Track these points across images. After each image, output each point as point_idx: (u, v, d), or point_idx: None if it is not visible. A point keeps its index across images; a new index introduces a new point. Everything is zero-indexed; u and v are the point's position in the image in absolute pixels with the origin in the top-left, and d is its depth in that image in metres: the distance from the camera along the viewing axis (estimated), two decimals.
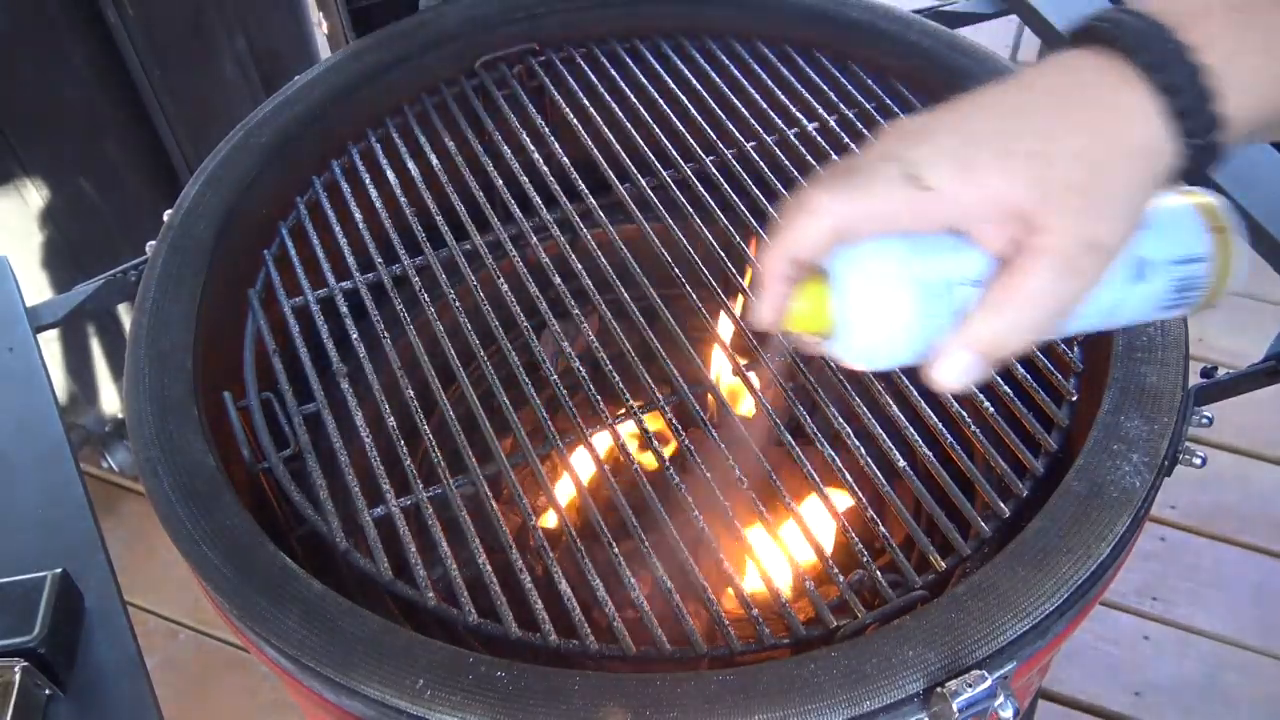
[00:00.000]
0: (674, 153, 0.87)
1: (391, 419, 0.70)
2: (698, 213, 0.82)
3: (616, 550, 0.63)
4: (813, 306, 0.40)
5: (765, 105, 0.90)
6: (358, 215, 0.83)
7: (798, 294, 0.40)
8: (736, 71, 0.92)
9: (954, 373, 0.38)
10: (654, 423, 0.71)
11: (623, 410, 0.70)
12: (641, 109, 0.90)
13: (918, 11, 0.95)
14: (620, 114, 0.89)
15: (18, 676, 0.52)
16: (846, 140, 0.86)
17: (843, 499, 0.66)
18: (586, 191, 0.84)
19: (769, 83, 0.91)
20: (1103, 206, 0.36)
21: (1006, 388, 0.69)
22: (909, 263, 0.38)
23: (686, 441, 0.69)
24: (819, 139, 0.87)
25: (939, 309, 0.38)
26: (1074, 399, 0.69)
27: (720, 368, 0.79)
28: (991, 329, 0.37)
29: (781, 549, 0.63)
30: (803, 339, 0.42)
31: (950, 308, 0.38)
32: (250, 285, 0.79)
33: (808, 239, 0.38)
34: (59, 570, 0.56)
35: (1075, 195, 0.35)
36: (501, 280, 0.78)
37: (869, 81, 0.90)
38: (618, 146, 0.87)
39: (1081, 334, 0.43)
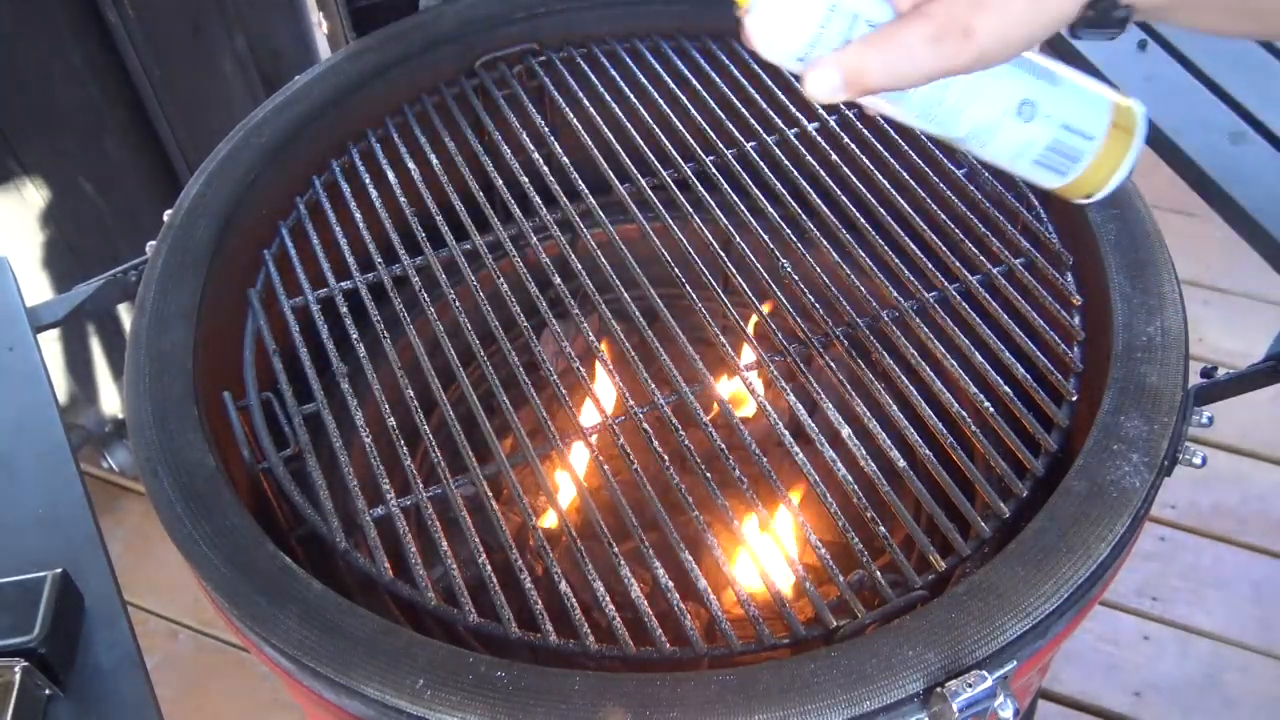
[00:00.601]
0: (674, 153, 0.87)
1: (391, 419, 0.70)
2: (698, 213, 0.82)
3: (616, 550, 0.63)
4: None
5: (765, 105, 0.90)
6: (358, 215, 0.83)
7: None
8: (736, 71, 0.92)
9: (818, 84, 0.43)
10: (653, 423, 0.71)
11: (623, 410, 0.70)
12: (641, 109, 0.90)
13: None
14: (620, 114, 0.89)
15: (18, 676, 0.52)
16: (846, 140, 0.86)
17: (843, 499, 0.66)
18: (586, 191, 0.84)
19: (769, 83, 0.91)
20: (991, 8, 0.40)
21: (1007, 388, 0.69)
22: None
23: (686, 441, 0.69)
24: (819, 139, 0.87)
25: (836, 28, 0.43)
26: (1074, 399, 0.69)
27: (720, 368, 0.79)
28: (859, 58, 0.42)
29: (781, 549, 0.63)
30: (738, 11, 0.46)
31: (844, 33, 0.43)
32: (250, 285, 0.79)
33: None
34: (59, 570, 0.56)
35: None
36: (501, 280, 0.78)
37: None
38: (618, 146, 0.87)
39: (960, 144, 0.47)
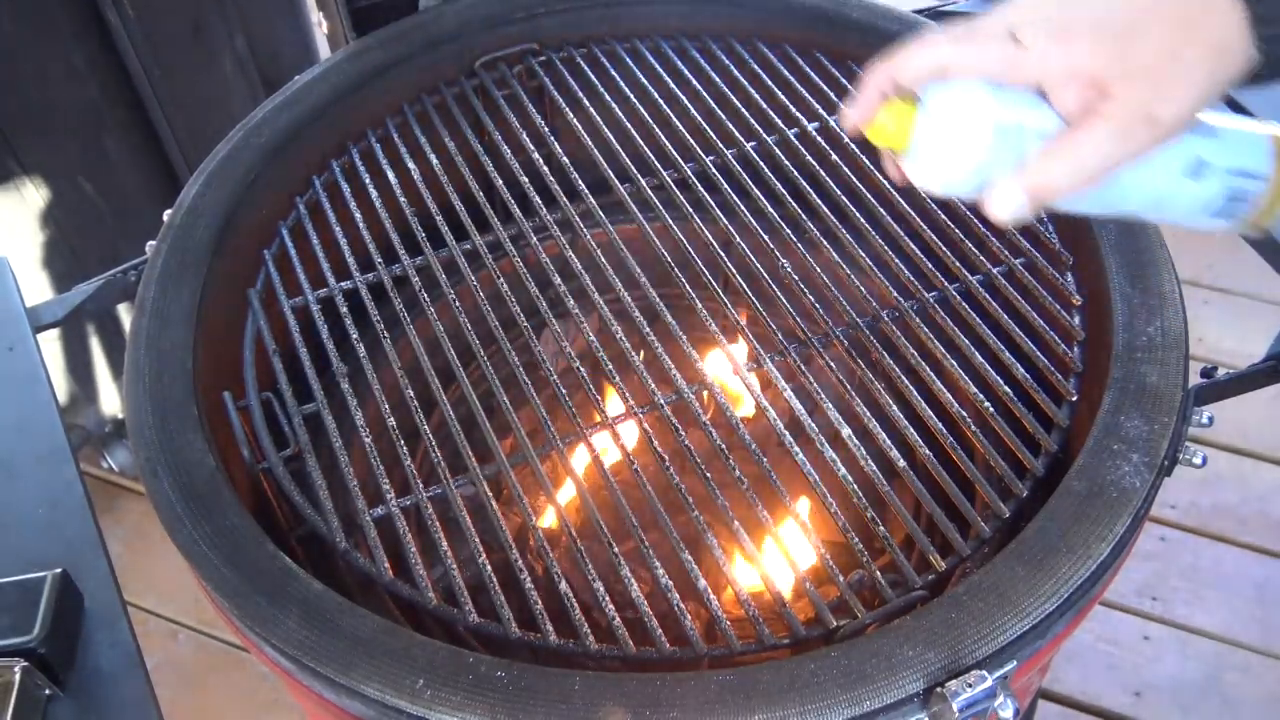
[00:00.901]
0: (674, 153, 0.87)
1: (391, 419, 0.70)
2: (698, 213, 0.82)
3: (616, 550, 0.63)
4: (898, 123, 0.45)
5: (765, 105, 0.90)
6: (358, 215, 0.83)
7: (887, 109, 0.45)
8: (736, 72, 0.92)
9: (1003, 205, 0.44)
10: (653, 423, 0.71)
11: (622, 410, 0.70)
12: (641, 109, 0.90)
13: (918, 11, 0.95)
14: (620, 114, 0.89)
15: (18, 676, 0.52)
16: (846, 140, 0.86)
17: (842, 499, 0.66)
18: (586, 191, 0.84)
19: (769, 83, 0.91)
20: (1169, 89, 0.41)
21: (1007, 388, 0.69)
22: (991, 104, 0.43)
23: (686, 441, 0.69)
24: (819, 139, 0.87)
25: (1006, 149, 0.43)
26: (1074, 399, 0.69)
27: (720, 368, 0.79)
28: (1044, 172, 0.42)
29: (781, 549, 0.63)
30: (883, 151, 0.47)
31: (1016, 152, 0.43)
32: (250, 285, 0.79)
33: (911, 64, 0.45)
34: (59, 570, 0.56)
35: (1147, 75, 0.40)
36: (501, 280, 0.78)
37: None
38: (618, 146, 0.87)
39: (1135, 217, 0.48)
